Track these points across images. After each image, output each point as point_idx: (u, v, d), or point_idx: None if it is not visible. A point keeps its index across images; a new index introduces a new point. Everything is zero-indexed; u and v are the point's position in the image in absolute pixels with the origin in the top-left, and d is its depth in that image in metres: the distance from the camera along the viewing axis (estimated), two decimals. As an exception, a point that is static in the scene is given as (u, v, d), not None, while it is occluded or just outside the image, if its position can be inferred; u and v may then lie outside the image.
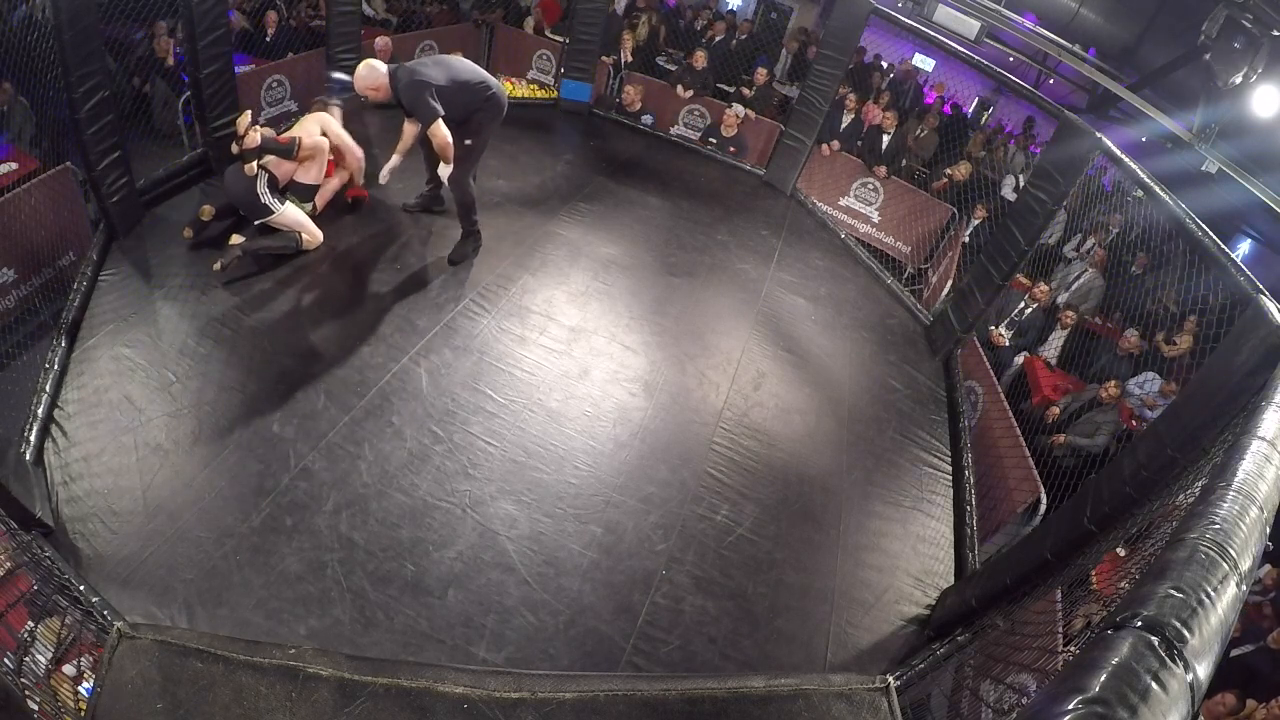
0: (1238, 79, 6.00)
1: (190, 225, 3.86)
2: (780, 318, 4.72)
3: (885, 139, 6.79)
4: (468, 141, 3.95)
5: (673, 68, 7.80)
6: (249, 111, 3.84)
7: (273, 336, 3.45)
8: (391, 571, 2.64)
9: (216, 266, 3.60)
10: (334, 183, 4.34)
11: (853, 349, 4.72)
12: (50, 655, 2.24)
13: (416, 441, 3.13)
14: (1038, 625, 2.77)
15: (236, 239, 3.74)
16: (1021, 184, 6.85)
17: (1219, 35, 5.85)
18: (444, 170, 3.93)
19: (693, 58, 7.38)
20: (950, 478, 4.00)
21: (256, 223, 3.86)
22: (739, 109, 6.66)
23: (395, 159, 3.88)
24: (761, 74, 7.53)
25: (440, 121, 3.69)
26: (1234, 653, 4.18)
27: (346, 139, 4.20)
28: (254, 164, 3.66)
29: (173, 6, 4.44)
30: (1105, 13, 8.38)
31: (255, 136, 3.66)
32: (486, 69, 4.31)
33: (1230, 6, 5.85)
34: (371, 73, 3.70)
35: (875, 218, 6.92)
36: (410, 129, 3.91)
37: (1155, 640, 1.01)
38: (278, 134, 3.82)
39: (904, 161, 6.98)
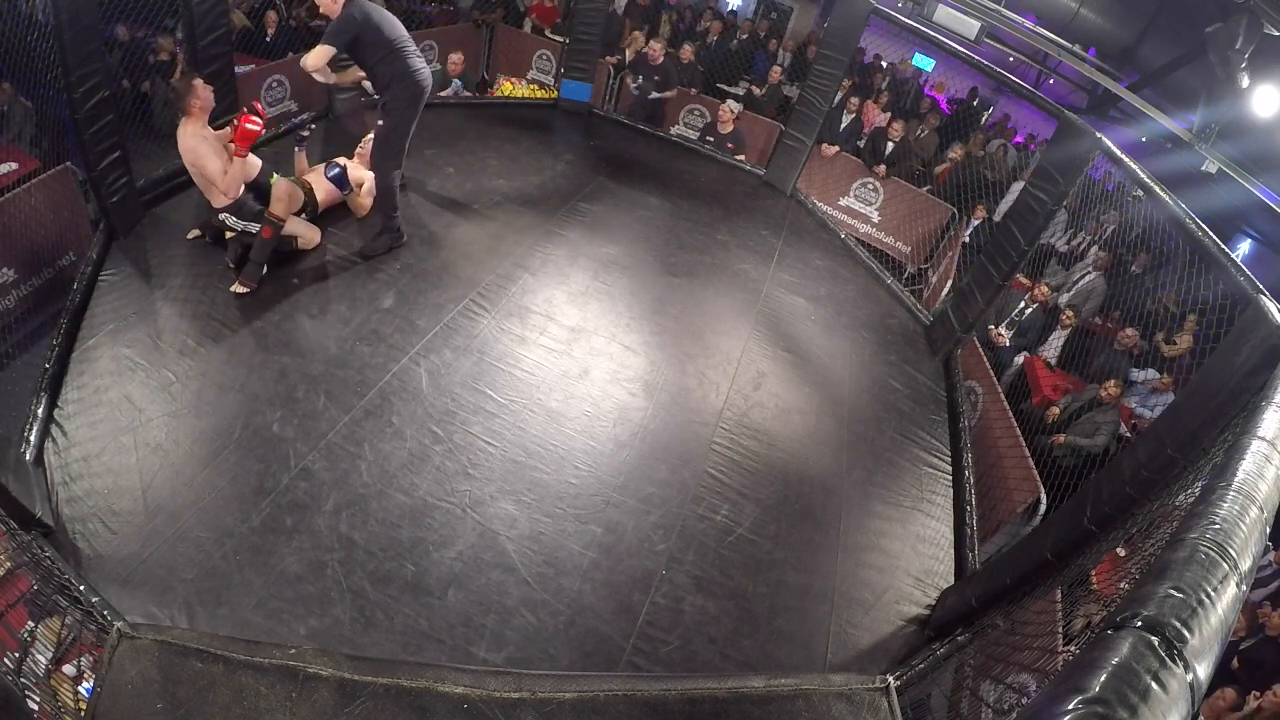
0: (1244, 81, 6.01)
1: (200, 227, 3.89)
2: (780, 318, 4.71)
3: (890, 146, 6.79)
4: (381, 121, 3.86)
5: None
6: None
7: (273, 336, 3.45)
8: (391, 571, 2.64)
9: (231, 275, 3.68)
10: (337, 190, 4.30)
11: (853, 349, 4.72)
12: (50, 655, 2.24)
13: (416, 441, 3.13)
14: (1038, 625, 2.77)
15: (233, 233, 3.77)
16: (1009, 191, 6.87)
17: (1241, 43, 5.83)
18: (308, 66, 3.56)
19: (681, 52, 7.37)
20: (950, 478, 4.00)
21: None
22: (733, 105, 6.65)
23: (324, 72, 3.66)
24: (776, 73, 7.53)
25: (320, 50, 3.51)
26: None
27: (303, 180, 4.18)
28: None
29: (173, 6, 4.44)
30: (1105, 13, 8.39)
31: None
32: (486, 69, 4.27)
33: (1233, 7, 5.85)
34: None
35: (875, 218, 6.93)
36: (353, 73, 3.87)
37: (1155, 640, 1.02)
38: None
39: (905, 163, 6.98)
